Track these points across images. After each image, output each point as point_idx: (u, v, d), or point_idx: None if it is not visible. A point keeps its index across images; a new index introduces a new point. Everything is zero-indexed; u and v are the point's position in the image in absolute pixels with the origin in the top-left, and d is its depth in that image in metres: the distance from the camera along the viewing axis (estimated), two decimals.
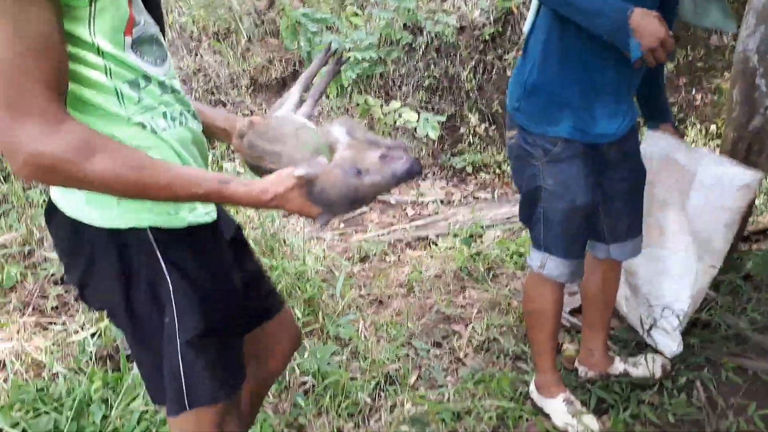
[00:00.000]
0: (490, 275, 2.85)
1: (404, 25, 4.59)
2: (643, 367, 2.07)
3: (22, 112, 0.79)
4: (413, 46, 4.64)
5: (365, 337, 2.49)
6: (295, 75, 5.47)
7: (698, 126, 4.26)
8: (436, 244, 3.39)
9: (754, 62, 2.10)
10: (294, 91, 1.29)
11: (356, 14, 4.53)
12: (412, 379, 2.23)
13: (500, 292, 2.70)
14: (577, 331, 2.37)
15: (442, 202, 4.11)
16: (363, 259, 3.29)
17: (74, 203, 0.97)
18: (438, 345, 2.47)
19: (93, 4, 0.85)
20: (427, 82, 4.61)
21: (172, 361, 1.02)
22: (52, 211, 1.01)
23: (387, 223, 3.96)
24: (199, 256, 1.04)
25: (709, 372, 2.01)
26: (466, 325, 2.55)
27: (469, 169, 4.32)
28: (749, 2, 2.09)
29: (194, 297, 1.01)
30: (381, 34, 4.42)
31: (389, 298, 2.86)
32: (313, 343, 2.37)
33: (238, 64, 5.21)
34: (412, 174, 1.02)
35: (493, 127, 4.51)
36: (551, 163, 1.70)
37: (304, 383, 2.14)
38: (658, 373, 2.04)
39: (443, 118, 4.09)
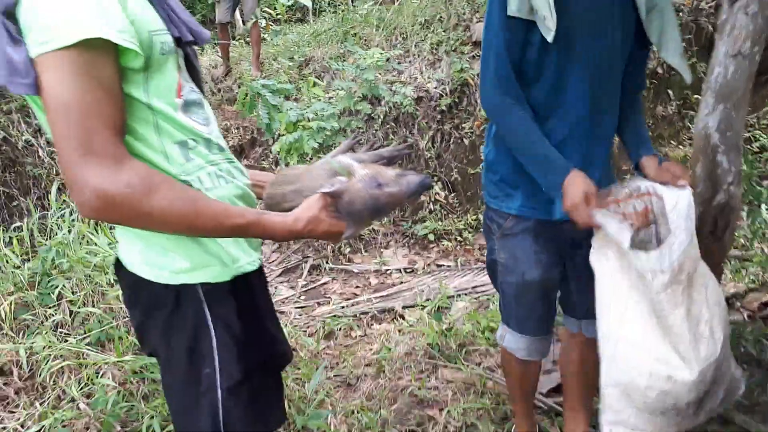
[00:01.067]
0: (463, 352, 2.76)
1: (363, 95, 4.63)
2: None
3: (91, 152, 0.87)
4: (372, 116, 4.67)
5: (335, 427, 2.34)
6: (253, 143, 5.42)
7: None
8: (404, 318, 3.30)
9: (715, 140, 2.14)
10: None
11: (316, 84, 4.54)
12: None
13: (474, 371, 2.61)
14: (556, 413, 2.29)
15: (405, 270, 4.04)
16: (328, 336, 3.16)
17: (135, 260, 1.08)
18: None
19: (147, 71, 0.97)
20: None
21: (211, 408, 1.09)
22: (119, 266, 1.13)
23: (350, 294, 3.86)
24: (241, 306, 1.12)
25: None
26: (441, 410, 2.43)
27: (432, 237, 4.29)
28: (707, 82, 2.15)
29: (234, 348, 1.09)
30: (342, 106, 4.43)
31: (358, 379, 2.72)
32: None
33: None
34: (425, 185, 1.16)
35: (453, 194, 4.52)
36: (504, 238, 1.73)
37: None
38: None
39: None
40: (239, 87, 5.73)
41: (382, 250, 4.35)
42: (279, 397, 1.25)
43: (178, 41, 1.03)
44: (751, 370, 2.31)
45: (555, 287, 1.83)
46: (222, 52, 6.09)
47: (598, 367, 1.98)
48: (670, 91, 4.52)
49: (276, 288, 3.98)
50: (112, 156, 0.89)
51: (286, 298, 3.82)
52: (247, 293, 1.14)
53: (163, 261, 1.05)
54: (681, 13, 4.46)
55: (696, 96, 4.53)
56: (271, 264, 4.41)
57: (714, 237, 2.29)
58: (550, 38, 1.46)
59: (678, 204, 1.53)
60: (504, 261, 1.75)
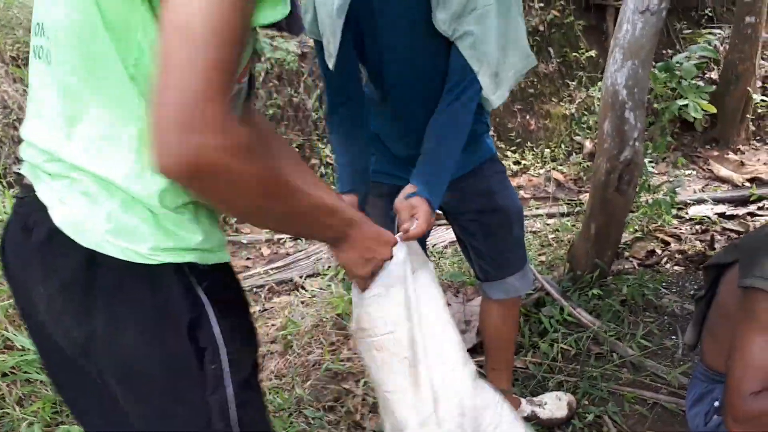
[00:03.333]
0: None
1: None
2: (550, 407, 2.02)
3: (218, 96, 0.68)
4: (252, 73, 4.34)
5: None
6: None
7: (535, 150, 4.51)
8: (305, 288, 3.13)
9: (623, 96, 2.18)
10: None
11: None
12: None
13: None
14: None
15: (298, 238, 3.85)
16: None
17: (96, 230, 0.79)
18: (331, 409, 2.21)
19: None
20: (271, 111, 4.33)
21: (222, 410, 0.88)
22: (51, 239, 0.81)
23: (241, 267, 3.60)
24: (231, 291, 0.93)
25: (613, 405, 2.01)
26: (357, 381, 2.32)
27: None
28: (614, 38, 2.17)
29: (237, 335, 0.90)
30: None
31: (264, 358, 2.53)
32: None
33: None
34: None
35: None
36: (368, 200, 1.66)
37: None
38: (565, 412, 2.00)
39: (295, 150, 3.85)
40: None
41: None
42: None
43: None
44: (653, 316, 2.44)
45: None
46: None
47: (514, 327, 1.98)
48: (550, 49, 4.65)
49: None
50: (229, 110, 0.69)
51: None
52: (235, 280, 0.96)
53: (141, 230, 0.80)
54: None
55: (575, 54, 4.70)
56: None
57: (619, 191, 2.36)
58: (330, 65, 1.39)
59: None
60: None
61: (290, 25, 0.84)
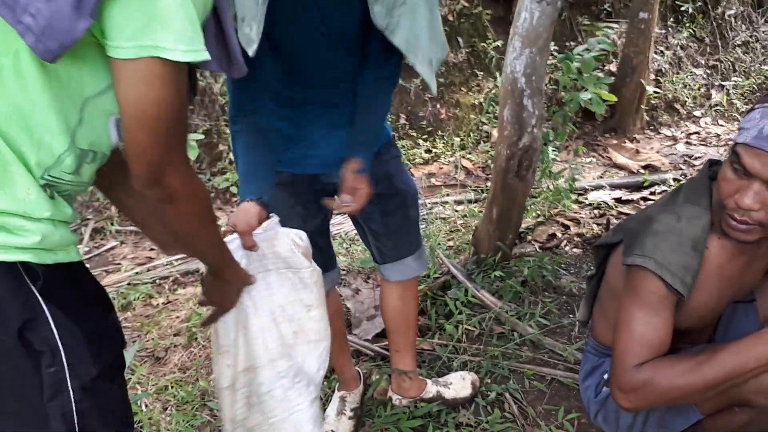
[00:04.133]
0: None
1: None
2: (455, 386, 2.07)
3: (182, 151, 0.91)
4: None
5: (146, 406, 2.06)
6: None
7: (445, 138, 4.58)
8: None
9: (522, 84, 2.24)
10: None
11: None
12: None
13: None
14: (382, 358, 2.28)
15: None
16: (125, 308, 2.78)
17: None
18: None
19: None
20: None
21: (63, 415, 0.87)
22: None
23: (144, 258, 3.45)
24: (78, 291, 0.93)
25: (514, 383, 2.08)
26: None
27: (234, 190, 4.00)
28: (513, 27, 2.23)
29: (81, 337, 0.89)
30: None
31: (167, 351, 2.44)
32: None
33: None
34: None
35: None
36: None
37: None
38: (469, 391, 2.05)
39: (201, 136, 3.71)
40: None
41: None
42: (126, 392, 1.05)
43: None
44: (552, 296, 2.54)
45: (318, 236, 1.76)
46: None
47: (413, 308, 2.01)
48: (459, 39, 4.72)
49: None
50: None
51: None
52: (84, 279, 0.97)
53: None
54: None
55: (482, 44, 4.81)
56: None
57: (519, 177, 2.43)
58: (251, 51, 1.36)
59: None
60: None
61: (230, 68, 0.99)
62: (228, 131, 4.18)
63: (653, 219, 1.35)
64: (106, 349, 0.95)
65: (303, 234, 1.40)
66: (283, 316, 1.34)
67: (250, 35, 1.35)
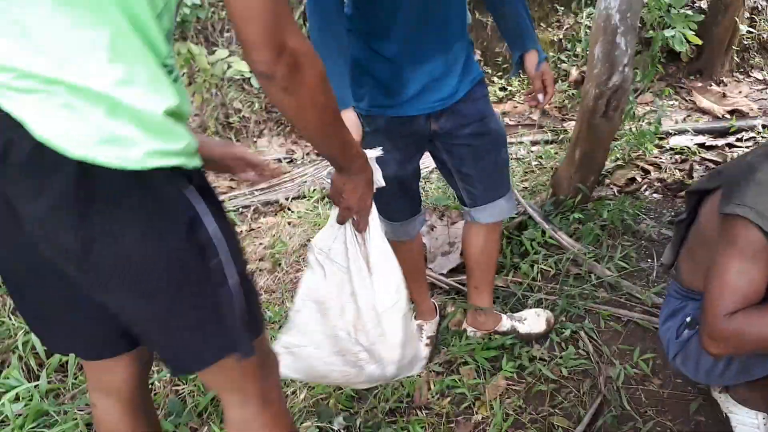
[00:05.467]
0: None
1: None
2: (529, 322, 2.12)
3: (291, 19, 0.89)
4: None
5: None
6: None
7: (521, 76, 4.48)
8: (290, 209, 3.16)
9: (616, 21, 2.17)
10: None
11: None
12: None
13: None
14: (457, 292, 2.35)
15: (282, 160, 3.84)
16: None
17: (85, 141, 0.79)
18: None
19: None
20: None
21: (228, 302, 0.94)
22: (35, 156, 0.80)
23: (226, 188, 3.60)
24: (215, 193, 0.97)
25: (589, 322, 2.12)
26: None
27: None
28: None
29: (230, 231, 0.96)
30: None
31: (252, 275, 2.58)
32: None
33: None
34: None
35: None
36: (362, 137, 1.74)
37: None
38: (543, 327, 2.11)
39: None
40: None
41: (255, 139, 4.07)
42: None
43: None
44: (631, 240, 2.53)
45: (412, 180, 1.87)
46: None
47: (497, 248, 2.05)
48: None
49: None
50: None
51: None
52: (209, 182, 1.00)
53: (130, 136, 0.81)
54: None
55: None
56: None
57: (606, 117, 2.38)
58: None
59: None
60: None
61: None
62: None
63: (755, 168, 1.33)
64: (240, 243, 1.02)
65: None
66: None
67: None
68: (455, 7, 1.63)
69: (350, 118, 1.48)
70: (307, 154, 3.92)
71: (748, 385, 1.58)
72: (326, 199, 3.12)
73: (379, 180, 1.33)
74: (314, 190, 3.27)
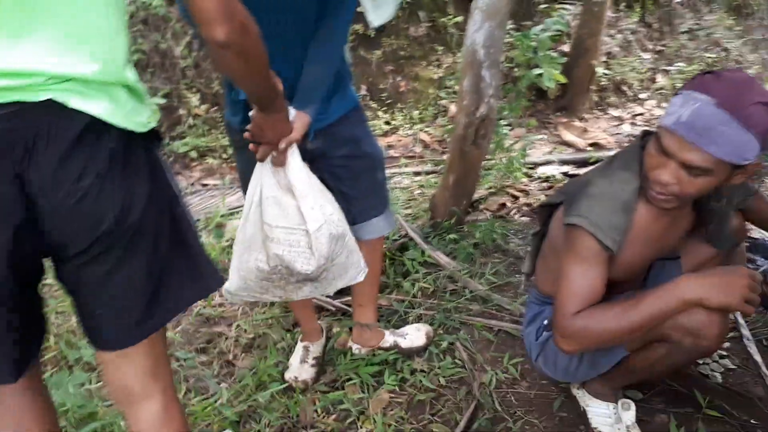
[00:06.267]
0: None
1: None
2: (411, 337, 2.22)
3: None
4: None
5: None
6: None
7: (404, 111, 4.71)
8: None
9: (481, 56, 2.38)
10: None
11: None
12: (182, 393, 2.00)
13: None
14: (343, 313, 2.41)
15: None
16: None
17: (124, 114, 0.97)
18: (203, 351, 2.26)
19: None
20: (135, 57, 4.12)
21: (198, 239, 1.15)
22: (82, 137, 0.93)
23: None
24: None
25: (464, 333, 2.25)
26: (230, 325, 2.38)
27: (194, 155, 4.03)
28: (474, 1, 2.35)
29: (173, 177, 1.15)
30: None
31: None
32: (53, 374, 1.94)
33: None
34: None
35: (215, 108, 4.28)
36: (235, 150, 1.87)
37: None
38: (423, 341, 2.21)
39: (163, 100, 3.72)
40: None
41: None
42: None
43: None
44: (501, 257, 2.72)
45: None
46: None
47: (379, 265, 2.15)
48: (420, 13, 4.82)
49: None
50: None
51: None
52: None
53: (139, 107, 1.02)
54: None
55: (443, 19, 4.92)
56: None
57: (475, 144, 2.58)
58: None
59: None
60: (238, 172, 1.88)
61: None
62: (189, 95, 4.19)
63: (590, 182, 1.51)
64: None
65: None
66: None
67: None
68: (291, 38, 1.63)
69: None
70: (192, 184, 3.86)
71: (599, 379, 1.76)
72: (209, 228, 3.09)
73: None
74: (198, 219, 3.22)
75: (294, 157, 1.57)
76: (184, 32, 4.23)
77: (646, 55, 6.09)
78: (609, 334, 1.40)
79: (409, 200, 3.48)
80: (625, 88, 5.74)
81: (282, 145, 1.50)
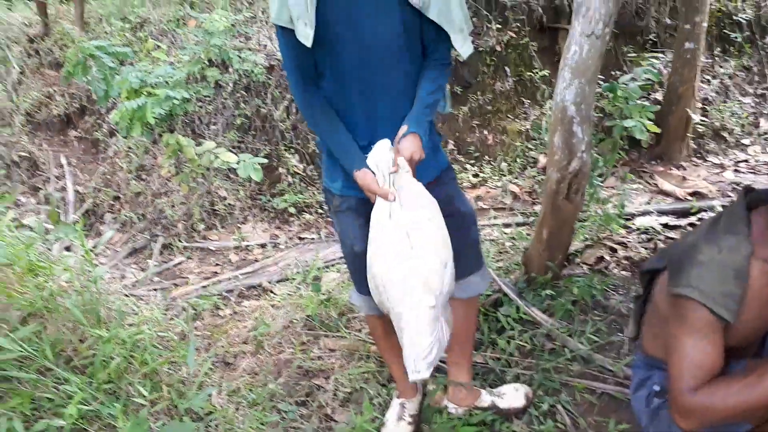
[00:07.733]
0: (343, 320, 2.78)
1: (209, 61, 4.37)
2: (509, 397, 2.18)
3: None
4: (220, 83, 4.45)
5: (221, 406, 2.24)
6: (82, 111, 4.86)
7: (492, 164, 4.73)
8: (273, 292, 3.23)
9: (572, 112, 2.38)
10: None
11: (158, 46, 4.19)
12: None
13: (356, 337, 2.65)
14: (438, 370, 2.41)
15: (267, 245, 3.95)
16: (195, 317, 2.99)
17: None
18: (303, 404, 2.32)
19: None
20: (238, 121, 4.43)
21: None
22: None
23: (210, 273, 3.68)
24: None
25: (566, 395, 2.18)
26: (327, 378, 2.44)
27: (292, 210, 4.22)
28: (563, 59, 2.38)
29: None
30: (188, 71, 4.14)
31: (236, 357, 2.63)
32: (166, 422, 2.06)
33: (9, 98, 4.45)
34: None
35: (311, 167, 4.48)
36: (335, 214, 1.90)
37: None
38: (523, 402, 2.16)
39: (264, 160, 3.94)
40: (61, 49, 5.10)
41: (239, 225, 4.20)
42: None
43: None
44: (601, 315, 2.64)
45: None
46: (39, 8, 5.34)
47: (474, 323, 2.14)
48: (507, 68, 4.89)
49: (124, 271, 3.66)
50: None
51: (137, 280, 3.53)
52: None
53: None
54: None
55: (529, 73, 4.96)
56: (115, 245, 4.04)
57: (568, 199, 2.56)
58: (309, 41, 1.57)
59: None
60: (338, 234, 1.93)
61: None
62: (287, 155, 4.42)
63: (695, 248, 1.43)
64: None
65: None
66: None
67: (305, 30, 1.56)
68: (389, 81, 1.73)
69: (364, 177, 1.65)
70: (290, 238, 4.03)
71: None
72: (307, 281, 3.20)
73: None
74: (297, 272, 3.35)
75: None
76: (282, 97, 4.50)
77: (747, 99, 5.82)
78: (732, 411, 1.32)
79: (500, 252, 3.45)
80: (725, 134, 5.49)
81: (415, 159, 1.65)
